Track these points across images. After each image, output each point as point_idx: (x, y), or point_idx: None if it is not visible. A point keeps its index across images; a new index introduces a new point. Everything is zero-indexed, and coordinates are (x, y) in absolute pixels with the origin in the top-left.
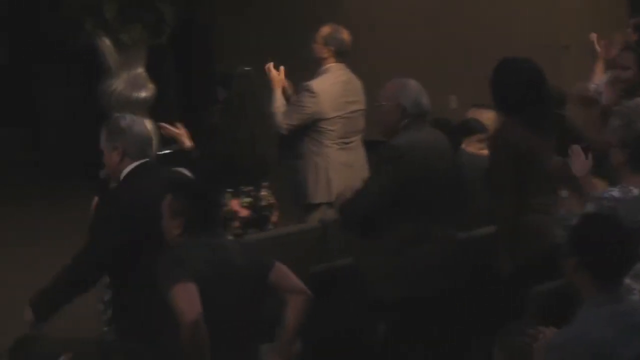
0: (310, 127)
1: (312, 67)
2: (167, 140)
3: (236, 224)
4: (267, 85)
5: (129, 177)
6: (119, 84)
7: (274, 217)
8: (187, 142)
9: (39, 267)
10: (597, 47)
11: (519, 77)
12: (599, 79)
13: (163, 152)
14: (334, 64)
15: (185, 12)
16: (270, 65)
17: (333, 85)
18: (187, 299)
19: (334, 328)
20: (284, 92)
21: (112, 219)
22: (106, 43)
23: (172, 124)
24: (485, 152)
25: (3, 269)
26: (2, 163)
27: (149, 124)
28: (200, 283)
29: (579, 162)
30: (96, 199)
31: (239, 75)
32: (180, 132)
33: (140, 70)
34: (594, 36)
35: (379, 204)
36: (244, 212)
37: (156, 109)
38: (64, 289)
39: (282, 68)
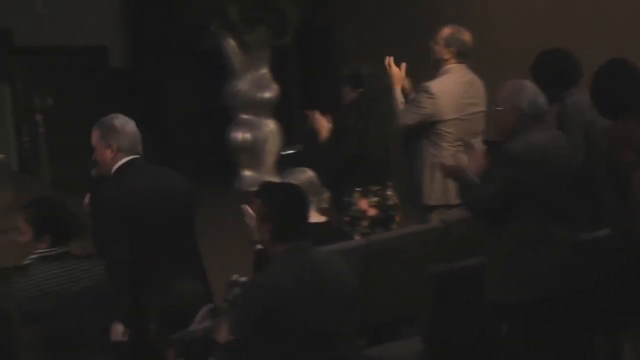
0: (427, 128)
1: (434, 67)
2: (291, 140)
3: (365, 223)
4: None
5: (119, 170)
6: (243, 84)
7: (398, 217)
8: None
9: None
10: None
11: (630, 76)
12: None
13: (286, 152)
14: (454, 64)
15: (307, 12)
16: (391, 60)
17: (453, 86)
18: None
19: (456, 329)
20: (402, 90)
21: (113, 214)
22: (231, 44)
23: (303, 121)
24: None
25: None
26: None
27: (272, 125)
28: (284, 296)
29: None
30: (88, 196)
31: (367, 75)
32: (326, 126)
33: (264, 70)
34: None
35: (495, 204)
36: (372, 212)
37: (280, 110)
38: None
39: (403, 65)
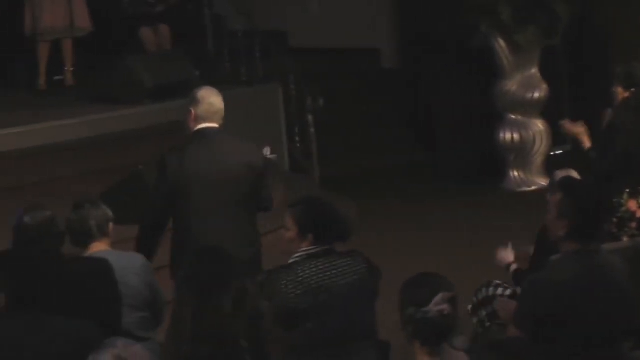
0: None
1: None
2: (560, 140)
3: (633, 224)
4: None
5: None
6: (512, 84)
7: None
8: (587, 142)
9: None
10: None
11: None
12: None
13: (556, 152)
14: None
15: (578, 10)
16: None
17: None
18: None
19: None
20: None
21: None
22: (501, 44)
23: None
24: None
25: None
26: (398, 165)
27: (541, 125)
28: (569, 295)
29: None
30: None
31: None
32: (581, 131)
33: (534, 70)
34: None
35: None
36: None
37: (549, 109)
38: None
39: None
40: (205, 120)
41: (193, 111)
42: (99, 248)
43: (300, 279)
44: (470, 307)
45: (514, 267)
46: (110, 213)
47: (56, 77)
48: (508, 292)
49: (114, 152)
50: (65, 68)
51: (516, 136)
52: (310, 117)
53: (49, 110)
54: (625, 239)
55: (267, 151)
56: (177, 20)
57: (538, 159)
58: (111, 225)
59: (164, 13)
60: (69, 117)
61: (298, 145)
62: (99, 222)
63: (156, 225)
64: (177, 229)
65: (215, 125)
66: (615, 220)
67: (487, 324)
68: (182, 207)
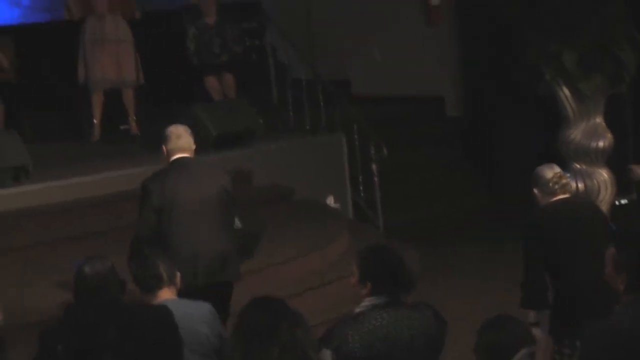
0: None
1: None
2: (625, 190)
3: None
4: None
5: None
6: (577, 133)
7: None
8: None
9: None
10: None
11: None
12: None
13: (621, 202)
14: None
15: None
16: None
17: None
18: None
19: None
20: None
21: None
22: (565, 92)
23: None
24: None
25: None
26: (463, 211)
27: (606, 174)
28: (631, 343)
29: None
30: None
31: None
32: None
33: (599, 119)
34: None
35: None
36: None
37: (614, 158)
38: None
39: None
40: (177, 152)
41: (164, 147)
42: (166, 296)
43: (366, 330)
44: None
45: None
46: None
47: (122, 126)
48: None
49: None
50: (129, 117)
51: (581, 185)
52: (374, 166)
53: (114, 159)
54: None
55: (330, 200)
56: (242, 69)
57: (603, 208)
58: (179, 274)
59: (229, 62)
60: (133, 165)
61: (362, 194)
62: (168, 269)
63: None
64: (163, 245)
65: (187, 154)
66: None
67: None
68: (165, 226)
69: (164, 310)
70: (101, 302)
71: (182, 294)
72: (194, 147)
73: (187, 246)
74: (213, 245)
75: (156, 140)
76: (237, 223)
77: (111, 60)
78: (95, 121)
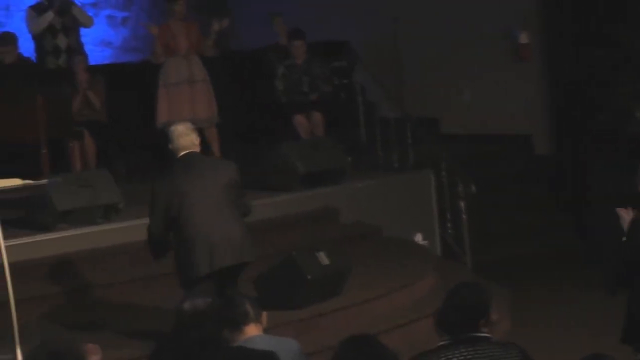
0: None
1: None
2: None
3: None
4: None
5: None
6: None
7: None
8: None
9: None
10: None
11: None
12: None
13: None
14: None
15: None
16: None
17: None
18: None
19: None
20: None
21: None
22: None
23: None
24: None
25: None
26: (550, 250)
27: None
28: None
29: None
30: None
31: None
32: None
33: None
34: None
35: None
36: None
37: None
38: None
39: None
40: (183, 150)
41: (171, 147)
42: (252, 332)
43: None
44: None
45: None
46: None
47: None
48: None
49: (267, 238)
50: (215, 156)
51: None
52: (462, 203)
53: None
54: None
55: (418, 237)
56: (330, 107)
57: None
58: (265, 312)
59: (317, 101)
60: None
61: (450, 231)
62: (253, 306)
63: (160, 239)
64: (178, 239)
65: (192, 150)
66: None
67: None
68: (180, 221)
69: (269, 356)
70: (198, 339)
71: (198, 282)
72: (197, 142)
73: (203, 238)
74: (227, 233)
75: (244, 179)
76: (324, 259)
77: (192, 101)
78: None
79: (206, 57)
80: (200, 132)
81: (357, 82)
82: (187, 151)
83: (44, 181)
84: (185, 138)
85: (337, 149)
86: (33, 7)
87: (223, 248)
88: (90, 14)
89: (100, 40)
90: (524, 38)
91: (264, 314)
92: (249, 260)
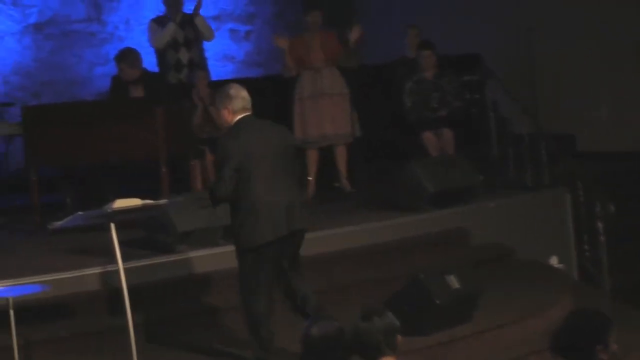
0: None
1: None
2: None
3: None
4: None
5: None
6: None
7: None
8: None
9: None
10: None
11: None
12: None
13: None
14: None
15: None
16: None
17: None
18: None
19: None
20: None
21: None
22: None
23: None
24: None
25: None
26: None
27: None
28: None
29: None
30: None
31: None
32: None
33: None
34: None
35: None
36: None
37: None
38: None
39: None
40: (241, 112)
41: (230, 107)
42: None
43: None
44: None
45: None
46: (397, 323)
47: (336, 184)
48: None
49: (395, 260)
50: (341, 174)
51: None
52: (600, 224)
53: (327, 217)
54: None
55: (554, 260)
56: (461, 124)
57: None
58: (399, 337)
59: (447, 117)
60: (347, 224)
61: (587, 253)
62: (387, 334)
63: (225, 202)
64: (240, 203)
65: (249, 113)
66: None
67: None
68: (243, 183)
69: None
70: None
71: (258, 249)
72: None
73: (267, 201)
74: (288, 197)
75: (373, 198)
76: (454, 283)
77: (328, 115)
78: (310, 178)
79: (346, 69)
80: (328, 148)
81: (489, 96)
82: (245, 114)
83: (164, 201)
84: (246, 100)
85: (468, 167)
86: (155, 20)
87: (285, 214)
88: (212, 27)
89: (223, 55)
90: None
91: (399, 338)
92: (305, 227)
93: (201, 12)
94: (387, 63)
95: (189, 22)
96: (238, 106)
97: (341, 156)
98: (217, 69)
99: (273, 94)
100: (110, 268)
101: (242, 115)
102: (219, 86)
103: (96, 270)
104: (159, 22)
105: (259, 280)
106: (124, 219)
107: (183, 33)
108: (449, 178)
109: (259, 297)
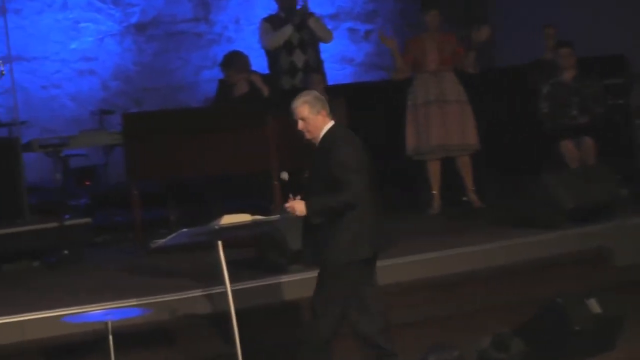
0: None
1: None
2: None
3: None
4: None
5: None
6: None
7: None
8: None
9: None
10: None
11: None
12: None
13: None
14: None
15: None
16: None
17: None
18: None
19: None
20: None
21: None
22: None
23: None
24: None
25: None
26: None
27: None
28: None
29: None
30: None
31: None
32: None
33: None
34: None
35: None
36: None
37: None
38: None
39: None
40: (329, 119)
41: (325, 111)
42: None
43: None
44: None
45: None
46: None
47: (464, 198)
48: None
49: (529, 282)
50: (467, 188)
51: None
52: None
53: (453, 236)
54: None
55: None
56: (603, 132)
57: None
58: None
59: (588, 125)
60: (476, 243)
61: None
62: None
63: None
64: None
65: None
66: None
67: None
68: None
69: None
70: None
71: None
72: None
73: (370, 214)
74: (379, 217)
75: (505, 214)
76: (595, 307)
77: (447, 123)
78: (434, 192)
79: (467, 74)
80: (450, 160)
81: (633, 102)
82: (333, 122)
83: (275, 217)
84: (326, 105)
85: (610, 179)
86: (268, 20)
87: (377, 232)
88: (329, 27)
89: (341, 57)
90: None
91: None
92: (387, 249)
93: (317, 10)
94: (515, 66)
95: (305, 21)
96: (328, 110)
97: (466, 168)
98: (334, 72)
99: (396, 99)
100: (216, 290)
101: (333, 124)
102: (337, 91)
103: (201, 292)
104: (272, 21)
105: (341, 302)
106: (232, 236)
107: (298, 35)
108: (589, 192)
109: (332, 320)
